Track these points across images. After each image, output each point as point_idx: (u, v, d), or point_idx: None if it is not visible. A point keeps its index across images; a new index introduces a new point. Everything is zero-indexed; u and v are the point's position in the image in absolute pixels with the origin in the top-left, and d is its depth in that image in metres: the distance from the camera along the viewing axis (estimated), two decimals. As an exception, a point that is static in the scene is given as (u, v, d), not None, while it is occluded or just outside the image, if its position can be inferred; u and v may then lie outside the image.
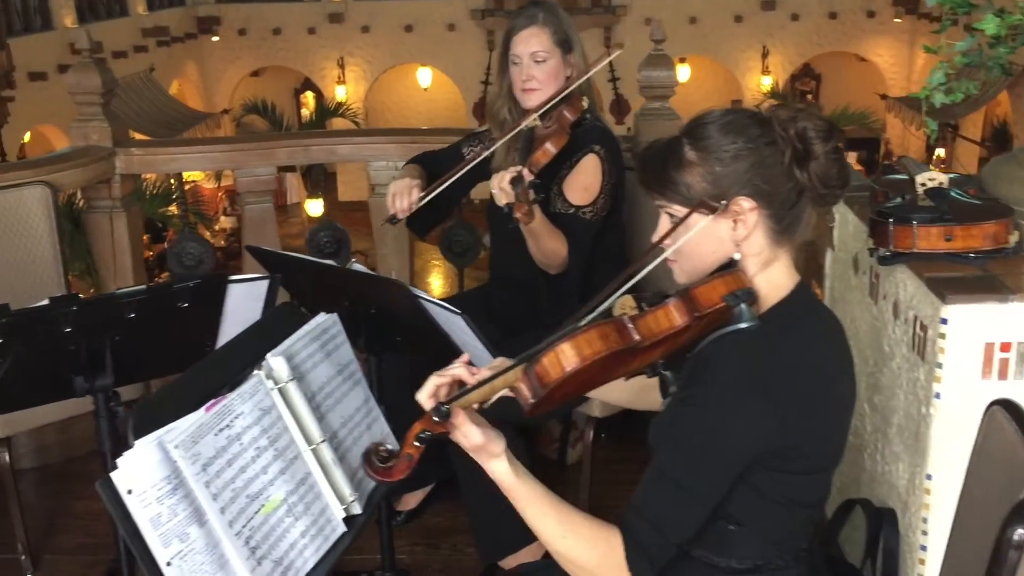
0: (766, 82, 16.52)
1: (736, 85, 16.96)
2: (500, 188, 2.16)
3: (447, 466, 2.36)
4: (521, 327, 2.52)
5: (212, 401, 1.49)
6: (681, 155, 1.42)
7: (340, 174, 16.55)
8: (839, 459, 1.48)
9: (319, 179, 15.37)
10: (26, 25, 13.00)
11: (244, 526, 1.45)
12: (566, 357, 1.32)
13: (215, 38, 17.08)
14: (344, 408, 1.76)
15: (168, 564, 1.35)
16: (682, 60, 15.72)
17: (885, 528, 1.87)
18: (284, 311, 1.79)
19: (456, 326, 1.91)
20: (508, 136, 2.42)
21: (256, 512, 1.49)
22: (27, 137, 13.57)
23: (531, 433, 2.91)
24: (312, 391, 1.68)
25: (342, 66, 17.30)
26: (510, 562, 2.51)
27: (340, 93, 17.11)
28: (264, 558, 1.47)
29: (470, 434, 1.36)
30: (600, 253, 2.54)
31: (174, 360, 2.20)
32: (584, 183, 2.42)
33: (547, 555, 2.51)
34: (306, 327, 1.75)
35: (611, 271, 2.61)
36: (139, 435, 1.37)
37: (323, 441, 1.63)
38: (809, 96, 17.81)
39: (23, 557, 2.61)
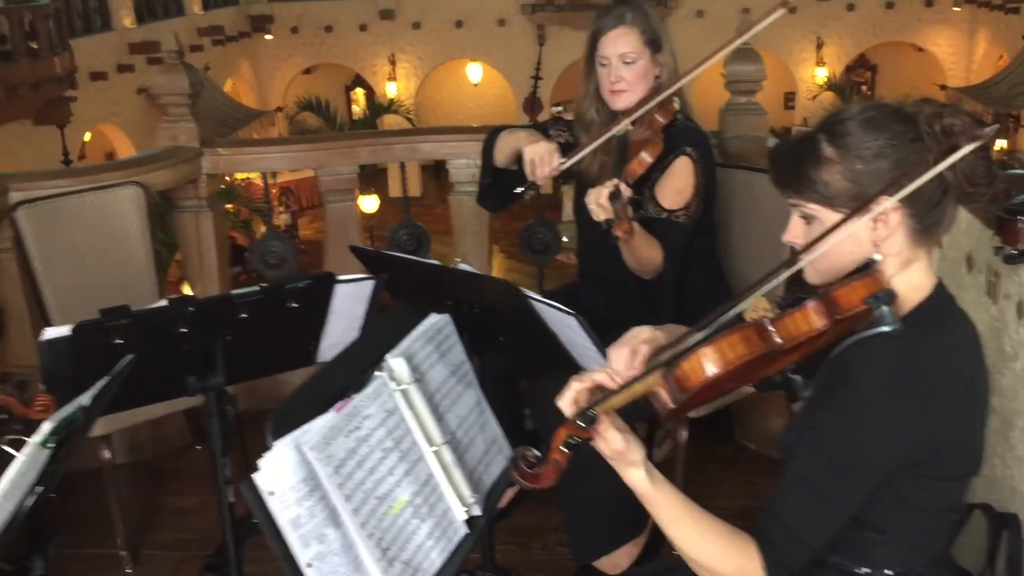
0: (820, 74, 16.30)
1: (790, 77, 16.75)
2: (598, 204, 2.12)
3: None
4: (610, 327, 2.50)
5: (340, 403, 1.50)
6: (818, 152, 1.39)
7: (390, 170, 16.63)
8: (980, 464, 1.44)
9: (371, 175, 15.46)
10: (87, 26, 13.26)
11: (375, 527, 1.46)
12: (708, 362, 1.30)
13: (268, 36, 17.27)
14: (459, 409, 1.76)
15: (309, 566, 1.36)
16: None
17: (1007, 534, 1.83)
18: (399, 311, 1.79)
19: (567, 327, 1.89)
20: (599, 141, 2.36)
21: (385, 513, 1.49)
22: (87, 136, 13.83)
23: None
24: (430, 392, 1.68)
25: (393, 63, 17.40)
26: (604, 563, 2.50)
27: (391, 90, 17.21)
28: (395, 559, 1.48)
29: (612, 440, 1.35)
30: (691, 255, 2.50)
31: (280, 360, 2.23)
32: (677, 186, 2.38)
33: (642, 558, 2.52)
34: (420, 328, 1.75)
35: (703, 273, 2.60)
36: (277, 437, 1.38)
37: (445, 443, 1.63)
38: (864, 87, 17.54)
39: (122, 552, 2.65)
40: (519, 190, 2.43)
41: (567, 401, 1.39)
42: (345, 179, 3.35)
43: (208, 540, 2.81)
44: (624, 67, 2.40)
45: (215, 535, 2.84)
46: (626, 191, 2.10)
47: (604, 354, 1.93)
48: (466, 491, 1.65)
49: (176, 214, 3.34)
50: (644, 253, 2.28)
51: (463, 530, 1.63)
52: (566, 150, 2.43)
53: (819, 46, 16.42)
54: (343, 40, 17.29)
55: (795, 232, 1.47)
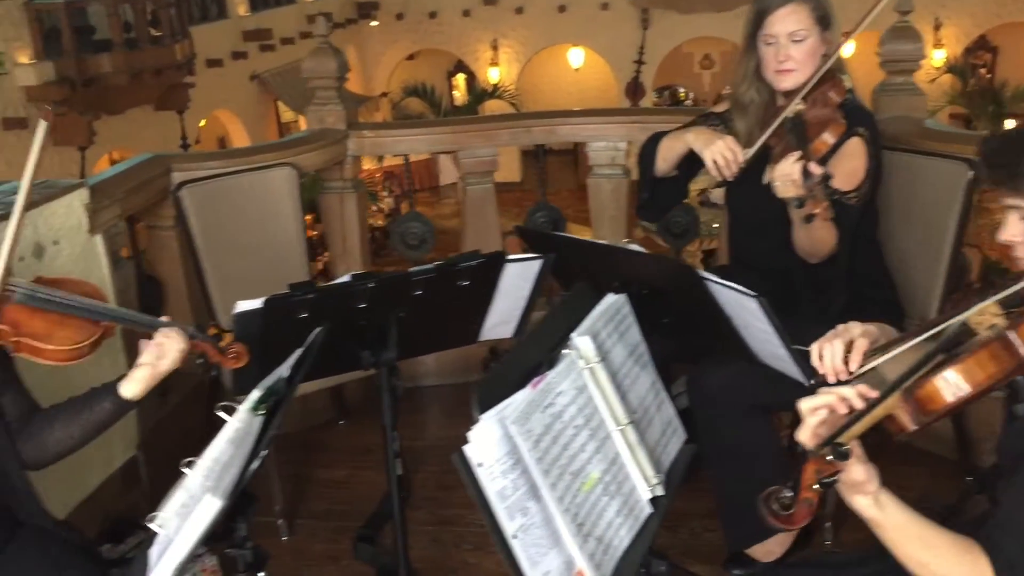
0: (938, 56, 15.67)
1: (904, 60, 16.15)
2: (790, 180, 2.07)
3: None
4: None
5: (536, 379, 1.51)
6: None
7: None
8: None
9: (474, 160, 15.58)
10: (203, 14, 13.66)
11: (571, 503, 1.47)
12: (956, 382, 1.24)
13: (374, 23, 17.51)
14: (638, 390, 1.76)
15: (514, 537, 1.38)
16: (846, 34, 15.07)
17: None
18: (577, 292, 1.79)
19: (745, 309, 1.88)
20: (775, 125, 2.31)
21: (579, 489, 1.51)
22: (202, 122, 14.27)
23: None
24: (613, 371, 1.68)
25: (495, 48, 17.45)
26: (757, 551, 2.47)
27: (493, 75, 17.27)
28: (589, 535, 1.49)
29: (855, 472, 1.31)
30: (855, 239, 2.44)
31: (445, 337, 2.27)
32: (850, 168, 2.31)
33: (796, 546, 2.48)
34: (600, 307, 1.76)
35: (866, 258, 2.53)
36: (482, 410, 1.41)
37: (629, 423, 1.64)
38: (984, 70, 16.81)
39: (279, 521, 2.74)
40: (707, 197, 2.42)
41: (808, 434, 1.34)
42: (485, 161, 3.38)
43: (358, 512, 2.90)
44: (793, 45, 2.35)
45: (364, 507, 2.93)
46: (816, 169, 2.05)
47: (784, 338, 1.91)
48: (650, 471, 1.65)
49: (321, 195, 3.42)
50: (820, 235, 2.23)
51: (648, 509, 1.63)
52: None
53: (937, 27, 15.78)
54: (446, 26, 17.41)
55: (1012, 231, 1.41)
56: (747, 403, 2.33)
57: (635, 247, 2.02)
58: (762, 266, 2.53)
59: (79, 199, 2.58)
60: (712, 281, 1.88)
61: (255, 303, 1.84)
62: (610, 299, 1.79)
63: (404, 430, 2.97)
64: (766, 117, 2.42)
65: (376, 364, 2.08)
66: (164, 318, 1.80)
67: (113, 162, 12.77)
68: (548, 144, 3.51)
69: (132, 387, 1.70)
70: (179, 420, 3.12)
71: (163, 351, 1.70)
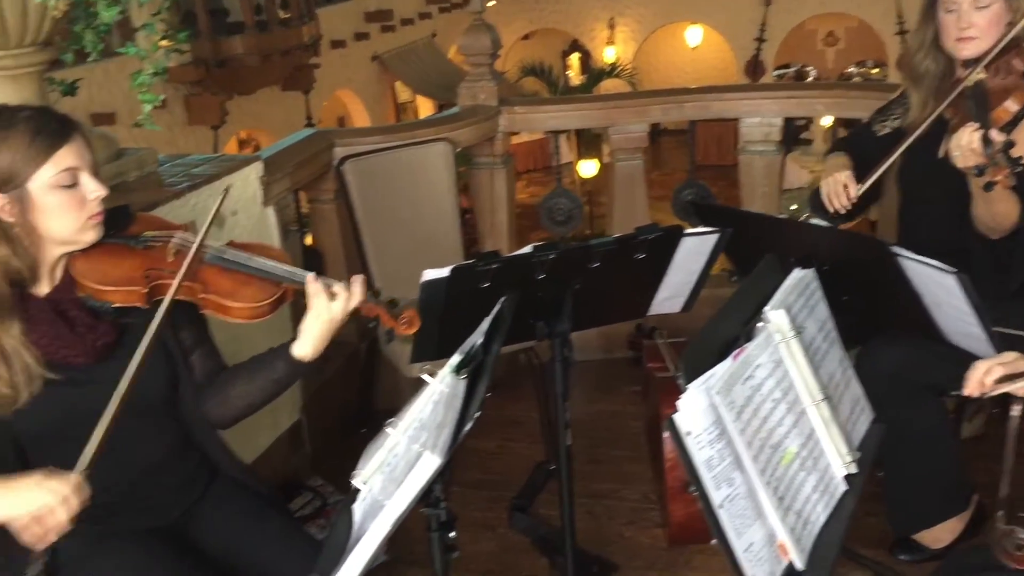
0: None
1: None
2: (970, 149, 2.00)
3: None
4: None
5: (736, 351, 1.51)
6: None
7: (606, 136, 16.63)
8: None
9: (589, 140, 15.51)
10: (328, -5, 13.95)
11: (771, 476, 1.47)
12: None
13: (491, 3, 17.54)
14: (828, 366, 1.74)
15: (720, 507, 1.39)
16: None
17: None
18: (765, 266, 1.78)
19: (940, 287, 1.82)
20: (954, 95, 2.23)
21: (778, 463, 1.50)
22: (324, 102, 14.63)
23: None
24: (805, 346, 1.66)
25: (612, 27, 17.30)
26: (926, 536, 2.42)
27: (609, 54, 17.14)
28: (788, 509, 1.48)
29: None
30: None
31: (616, 310, 2.28)
32: None
33: (966, 533, 2.41)
34: (789, 281, 1.74)
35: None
36: (688, 380, 1.41)
37: (824, 399, 1.62)
38: None
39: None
40: (824, 223, 2.41)
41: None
42: (635, 138, 3.36)
43: (509, 482, 2.95)
44: (976, 12, 2.26)
45: (515, 476, 2.98)
46: (998, 136, 1.97)
47: (984, 318, 1.85)
48: (843, 447, 1.63)
49: (471, 171, 3.47)
50: (1001, 207, 2.15)
51: (843, 486, 1.61)
52: (900, 135, 2.34)
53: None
54: (563, 5, 17.35)
55: None
56: (920, 383, 2.27)
57: (817, 221, 1.99)
58: (935, 246, 2.43)
59: (255, 172, 2.69)
60: (906, 257, 1.83)
61: (441, 272, 1.87)
62: (799, 274, 1.77)
63: (551, 405, 3.02)
64: (942, 88, 2.34)
65: (550, 335, 2.10)
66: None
67: (241, 141, 13.23)
68: (664, 124, 3.46)
69: (303, 346, 1.70)
70: (336, 389, 3.23)
71: (328, 306, 1.68)
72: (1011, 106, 2.14)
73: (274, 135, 10.71)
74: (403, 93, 16.52)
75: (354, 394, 3.32)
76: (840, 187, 2.32)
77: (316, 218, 3.26)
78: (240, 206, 2.62)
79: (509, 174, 3.46)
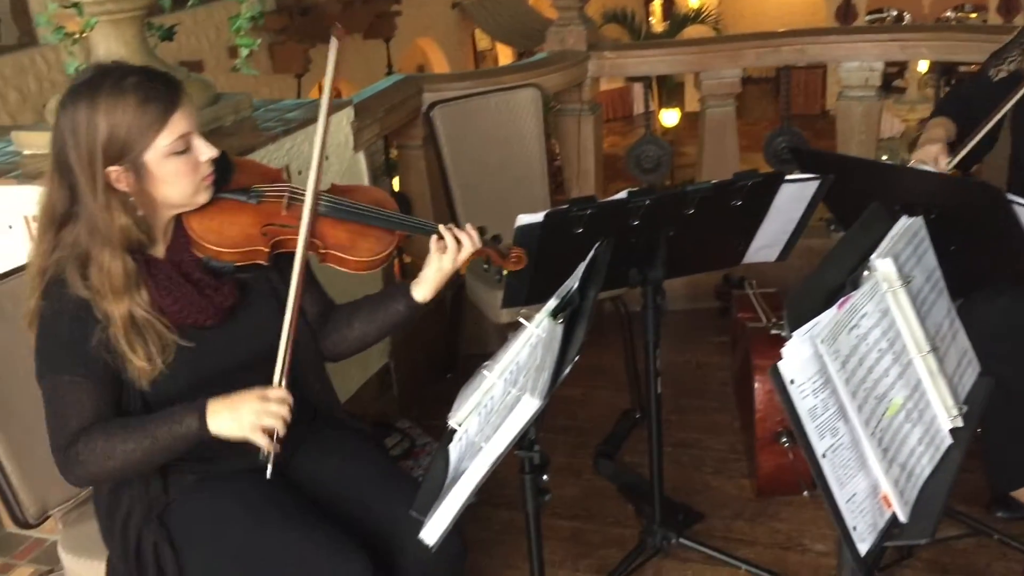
0: None
1: None
2: None
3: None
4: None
5: (842, 299, 1.47)
6: None
7: (687, 84, 16.27)
8: None
9: (671, 88, 15.20)
10: (410, -59, 13.86)
11: (876, 427, 1.44)
12: None
13: (573, -53, 17.25)
14: (935, 317, 1.68)
15: (823, 456, 1.36)
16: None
17: None
18: (873, 213, 1.72)
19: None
20: None
21: (883, 414, 1.46)
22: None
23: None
24: (912, 296, 1.61)
25: (696, -29, 16.83)
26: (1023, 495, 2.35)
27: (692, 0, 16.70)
28: (893, 461, 1.45)
29: None
30: None
31: (710, 258, 2.25)
32: None
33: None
34: (897, 229, 1.68)
35: None
36: (792, 329, 1.38)
37: (930, 351, 1.57)
38: None
39: (522, 432, 2.83)
40: None
41: None
42: (728, 83, 3.28)
43: (593, 429, 2.96)
44: None
45: (601, 423, 2.99)
46: None
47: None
48: (950, 400, 1.59)
49: (558, 118, 3.44)
50: None
51: (948, 440, 1.57)
52: (1018, 79, 2.22)
53: None
54: (647, -52, 16.92)
55: None
56: (1025, 336, 2.19)
57: (926, 167, 1.91)
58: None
59: (346, 117, 2.70)
60: (1020, 204, 1.76)
61: (536, 217, 1.87)
62: (906, 222, 1.71)
63: (637, 353, 3.01)
64: None
65: (643, 282, 2.09)
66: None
67: (322, 89, 13.36)
68: (748, 71, 3.35)
69: (424, 290, 1.76)
70: (423, 335, 3.26)
71: (457, 250, 1.73)
72: None
73: (355, 84, 10.76)
74: (482, 41, 16.40)
75: (440, 340, 3.35)
76: (931, 159, 2.21)
77: (404, 164, 3.27)
78: (332, 151, 2.65)
79: (597, 121, 3.42)
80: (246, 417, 1.50)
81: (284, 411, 1.52)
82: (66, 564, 1.83)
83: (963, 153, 2.21)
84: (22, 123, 4.73)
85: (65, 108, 1.50)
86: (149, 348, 1.53)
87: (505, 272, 1.83)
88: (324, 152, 1.74)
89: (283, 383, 1.57)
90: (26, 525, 1.82)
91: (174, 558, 1.62)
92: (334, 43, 1.77)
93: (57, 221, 1.54)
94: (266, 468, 1.53)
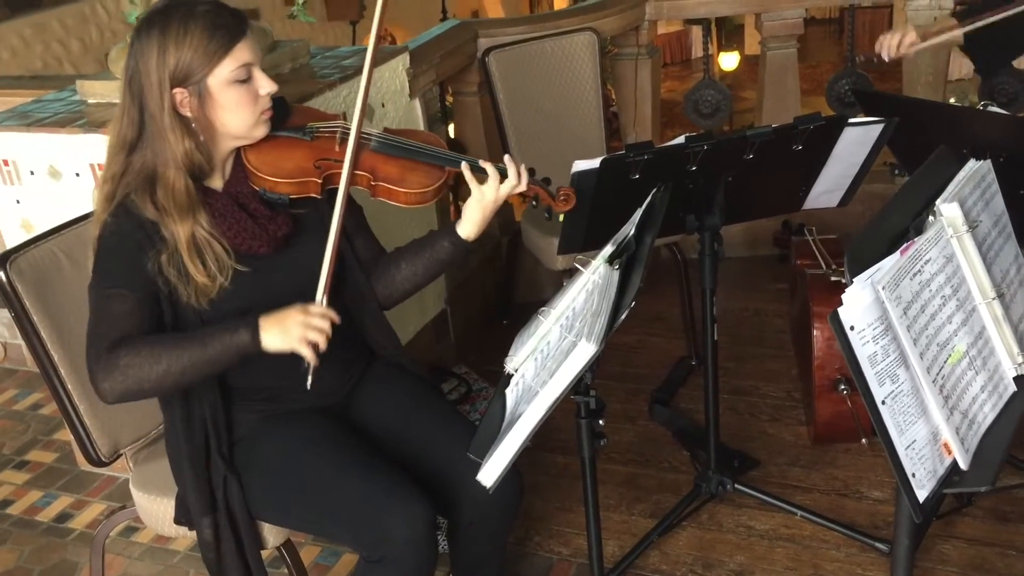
0: None
1: None
2: None
3: None
4: None
5: (905, 245, 1.44)
6: None
7: (748, 26, 15.86)
8: None
9: (730, 31, 14.84)
10: None
11: (938, 374, 1.42)
12: None
13: None
14: (1002, 262, 1.64)
15: (883, 403, 1.35)
16: None
17: None
18: (941, 156, 1.68)
19: None
20: None
21: (945, 361, 1.44)
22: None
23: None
24: (978, 241, 1.57)
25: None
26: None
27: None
28: (954, 408, 1.43)
29: None
30: None
31: (770, 204, 2.21)
32: None
33: None
34: (963, 173, 1.64)
35: None
36: (853, 274, 1.36)
37: (996, 296, 1.54)
38: None
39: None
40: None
41: None
42: (790, 24, 3.19)
43: (650, 375, 2.97)
44: None
45: (656, 370, 3.00)
46: None
47: None
48: (1015, 348, 1.56)
49: (615, 62, 3.39)
50: None
51: (1012, 387, 1.54)
52: None
53: None
54: None
55: None
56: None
57: (996, 109, 1.86)
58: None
59: (402, 64, 2.70)
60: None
61: (592, 163, 1.85)
62: (974, 165, 1.67)
63: (694, 300, 2.99)
64: None
65: (700, 229, 2.07)
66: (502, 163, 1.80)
67: (378, 36, 13.31)
68: (810, 11, 3.25)
69: (467, 226, 1.75)
70: (478, 281, 3.29)
71: (497, 183, 1.70)
72: None
73: (410, 30, 10.71)
74: (538, -16, 16.15)
75: (496, 286, 3.37)
76: (896, 39, 2.21)
77: (460, 110, 3.26)
78: (387, 98, 2.65)
79: (655, 65, 3.36)
80: (294, 330, 1.54)
81: (326, 325, 1.57)
82: (137, 501, 1.90)
83: (941, 40, 2.20)
84: (85, 72, 4.81)
85: (139, 34, 1.57)
86: (210, 266, 1.59)
87: (555, 212, 1.82)
88: (371, 80, 1.74)
89: (324, 301, 1.61)
90: (99, 463, 1.90)
91: (241, 494, 1.68)
92: None
93: (127, 146, 1.60)
94: (307, 380, 1.58)
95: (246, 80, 1.60)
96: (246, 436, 1.71)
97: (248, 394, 1.72)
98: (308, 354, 1.56)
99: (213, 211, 1.62)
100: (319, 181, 1.68)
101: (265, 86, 1.62)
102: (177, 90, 1.56)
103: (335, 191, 1.68)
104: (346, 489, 1.64)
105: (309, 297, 1.61)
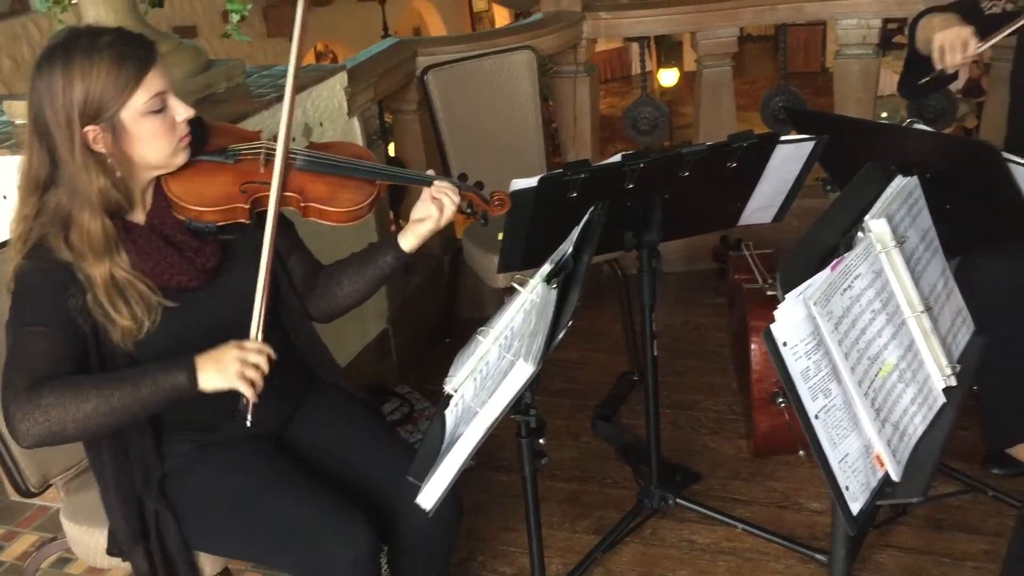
0: None
1: None
2: None
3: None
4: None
5: (835, 260, 1.47)
6: None
7: (686, 43, 16.10)
8: None
9: (669, 48, 15.06)
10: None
11: (869, 387, 1.44)
12: None
13: (568, -95, 17.00)
14: (929, 277, 1.69)
15: (816, 417, 1.37)
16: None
17: None
18: (868, 172, 1.71)
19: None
20: None
21: (876, 375, 1.47)
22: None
23: None
24: (907, 256, 1.61)
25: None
26: (1020, 451, 2.37)
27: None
28: (886, 421, 1.46)
29: None
30: None
31: (706, 221, 2.24)
32: None
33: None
34: (891, 189, 1.68)
35: None
36: (785, 290, 1.38)
37: (924, 310, 1.57)
38: None
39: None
40: (923, 80, 2.24)
41: None
42: (725, 43, 3.25)
43: (591, 391, 2.98)
44: None
45: (598, 386, 3.01)
46: None
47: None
48: (943, 360, 1.59)
49: (554, 80, 3.41)
50: None
51: (941, 399, 1.58)
52: (1001, 22, 2.19)
53: None
54: (643, -95, 16.68)
55: None
56: (1022, 294, 2.19)
57: (922, 126, 1.90)
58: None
59: (339, 82, 2.68)
60: (1016, 162, 1.75)
61: (530, 181, 1.86)
62: (901, 181, 1.71)
63: (635, 316, 3.01)
64: None
65: (638, 246, 2.09)
66: (430, 172, 1.82)
67: (319, 53, 13.22)
68: (747, 29, 3.32)
69: (411, 240, 1.74)
70: (420, 300, 3.27)
71: (441, 203, 1.73)
72: None
73: (351, 47, 10.68)
74: (479, 2, 16.23)
75: (438, 305, 3.36)
76: (960, 41, 2.13)
77: (399, 129, 3.25)
78: (326, 117, 2.63)
79: (592, 83, 3.39)
80: (231, 367, 1.49)
81: (263, 361, 1.52)
82: (68, 532, 1.84)
83: (995, 39, 2.12)
84: (16, 91, 4.70)
85: (40, 71, 1.50)
86: (133, 308, 1.53)
87: (491, 217, 1.82)
88: (294, 100, 1.70)
89: (259, 336, 1.56)
90: (28, 494, 1.84)
91: (176, 526, 1.64)
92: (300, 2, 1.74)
93: (39, 186, 1.53)
94: (246, 418, 1.53)
95: (161, 109, 1.54)
96: (179, 467, 1.67)
97: (181, 425, 1.68)
98: (248, 392, 1.51)
99: (136, 248, 1.56)
100: (246, 207, 1.63)
101: (181, 112, 1.56)
102: (89, 128, 1.49)
103: (265, 213, 1.65)
104: (286, 515, 1.61)
105: (245, 326, 1.56)
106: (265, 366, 1.53)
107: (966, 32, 2.14)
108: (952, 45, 2.13)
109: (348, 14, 12.27)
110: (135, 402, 1.48)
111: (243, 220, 1.64)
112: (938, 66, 2.17)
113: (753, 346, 2.45)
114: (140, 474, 1.65)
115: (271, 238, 1.60)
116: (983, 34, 2.13)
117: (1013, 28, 2.10)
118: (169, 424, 1.68)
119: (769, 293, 2.53)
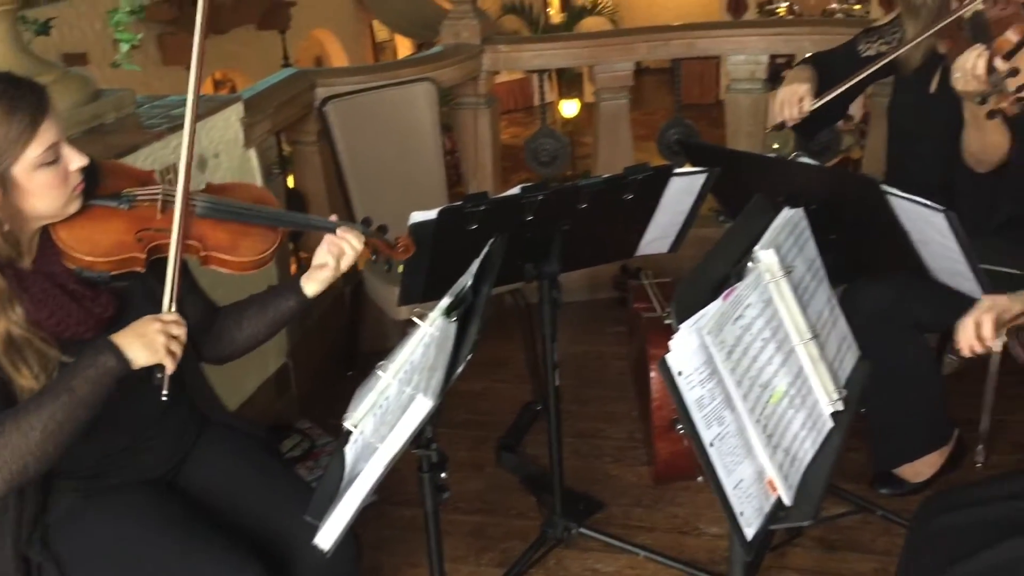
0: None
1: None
2: (973, 74, 1.98)
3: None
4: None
5: (727, 290, 1.51)
6: None
7: (586, 76, 16.42)
8: None
9: (569, 80, 15.32)
10: (302, -69, 13.59)
11: (760, 414, 1.48)
12: None
13: (470, -62, 17.20)
14: (816, 305, 1.75)
15: (711, 445, 1.40)
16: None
17: None
18: (756, 205, 1.77)
19: (928, 225, 1.83)
20: (947, 22, 2.21)
21: (767, 401, 1.51)
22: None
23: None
24: (794, 285, 1.67)
25: (593, -37, 16.99)
26: (906, 471, 2.46)
27: (590, -9, 16.86)
28: (777, 447, 1.50)
29: None
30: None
31: (604, 251, 2.28)
32: None
33: (946, 467, 2.45)
34: (778, 221, 1.74)
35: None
36: (679, 321, 1.41)
37: (812, 338, 1.63)
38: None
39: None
40: (768, 128, 2.39)
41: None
42: (621, 76, 3.32)
43: (495, 422, 2.97)
44: None
45: (502, 417, 3.01)
46: (1002, 64, 1.95)
47: (971, 256, 1.86)
48: (831, 385, 1.65)
49: (455, 111, 3.43)
50: (994, 138, 2.14)
51: (830, 423, 1.63)
52: (879, 59, 2.31)
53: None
54: (543, -60, 16.99)
55: None
56: (905, 320, 2.29)
57: (807, 160, 1.98)
58: (921, 180, 2.45)
59: (235, 113, 2.64)
60: (895, 195, 1.83)
61: (429, 214, 1.86)
62: (788, 213, 1.77)
63: (537, 346, 3.03)
64: (939, 20, 2.32)
65: (539, 276, 2.11)
66: (333, 217, 1.80)
67: (216, 82, 12.99)
68: (646, 62, 3.42)
69: (314, 286, 1.73)
70: (322, 333, 3.22)
71: (343, 250, 1.72)
72: (1012, 36, 2.10)
73: (250, 76, 10.51)
74: (381, 32, 16.21)
75: (340, 337, 3.32)
76: (796, 97, 2.31)
77: (299, 160, 3.22)
78: (221, 148, 2.58)
79: (493, 114, 3.42)
80: (158, 339, 1.46)
81: (183, 332, 1.51)
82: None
83: (828, 98, 2.28)
84: None
85: None
86: (32, 367, 1.45)
87: (395, 262, 1.82)
88: (193, 151, 1.66)
89: (173, 307, 1.54)
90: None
91: None
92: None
93: None
94: (163, 388, 1.48)
95: (54, 161, 1.46)
96: (66, 516, 1.59)
97: (68, 473, 1.59)
98: (171, 364, 1.47)
99: (31, 296, 1.47)
100: (142, 255, 1.56)
101: (76, 161, 1.49)
102: None
103: (160, 261, 1.59)
104: (178, 563, 1.55)
105: (146, 373, 1.50)
106: (184, 337, 1.50)
107: (802, 89, 2.30)
108: (789, 101, 2.30)
109: (247, 43, 12.08)
110: (79, 406, 1.42)
111: (138, 269, 1.57)
112: (777, 119, 2.32)
113: (652, 374, 2.49)
114: (25, 526, 1.56)
115: (176, 282, 1.56)
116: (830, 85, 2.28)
117: (847, 86, 2.24)
118: (55, 474, 1.59)
119: (667, 322, 2.57)
